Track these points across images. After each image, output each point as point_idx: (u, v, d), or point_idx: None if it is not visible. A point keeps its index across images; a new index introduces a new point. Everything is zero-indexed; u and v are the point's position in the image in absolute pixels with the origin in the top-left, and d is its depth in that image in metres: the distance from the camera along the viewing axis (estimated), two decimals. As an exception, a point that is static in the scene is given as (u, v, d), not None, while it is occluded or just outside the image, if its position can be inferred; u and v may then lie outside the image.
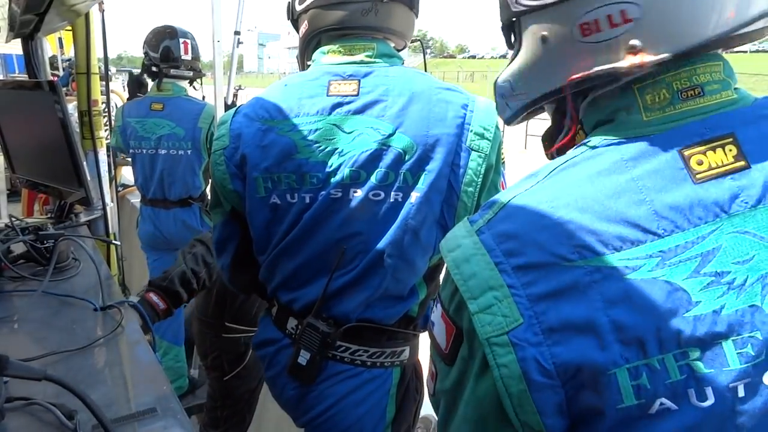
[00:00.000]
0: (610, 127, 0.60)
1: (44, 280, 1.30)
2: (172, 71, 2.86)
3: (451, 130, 1.06)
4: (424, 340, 1.29)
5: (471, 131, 1.06)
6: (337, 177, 1.07)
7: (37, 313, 1.26)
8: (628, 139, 0.58)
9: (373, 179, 1.06)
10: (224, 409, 2.06)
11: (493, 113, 1.10)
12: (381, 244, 1.07)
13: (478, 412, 0.57)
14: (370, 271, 1.09)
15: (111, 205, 2.19)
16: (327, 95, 1.10)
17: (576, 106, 0.65)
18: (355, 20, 1.11)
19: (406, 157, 1.05)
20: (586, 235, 0.53)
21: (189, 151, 2.79)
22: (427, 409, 1.82)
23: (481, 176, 1.06)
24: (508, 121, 0.74)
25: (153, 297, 1.37)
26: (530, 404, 0.52)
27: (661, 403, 0.50)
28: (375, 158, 1.06)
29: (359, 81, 1.09)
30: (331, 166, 1.07)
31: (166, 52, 2.84)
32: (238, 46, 3.24)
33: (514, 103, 0.70)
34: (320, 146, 1.08)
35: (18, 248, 1.47)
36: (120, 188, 3.81)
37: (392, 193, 1.06)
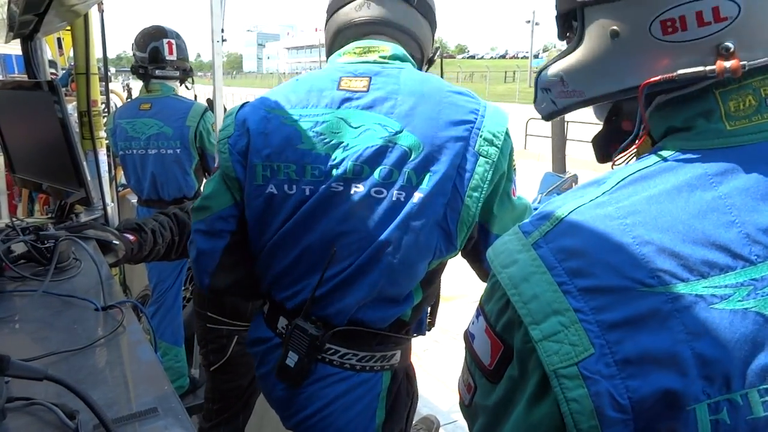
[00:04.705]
0: (687, 136, 0.55)
1: (45, 280, 1.30)
2: (158, 72, 2.88)
3: (460, 133, 1.05)
4: (416, 343, 1.27)
5: (480, 136, 1.05)
6: (340, 170, 1.06)
7: (37, 313, 1.25)
8: (711, 151, 0.52)
9: (375, 176, 1.05)
10: (214, 402, 2.07)
11: (504, 121, 1.09)
12: (378, 243, 1.05)
13: None
14: (365, 271, 1.07)
15: (111, 205, 2.18)
16: (337, 89, 1.11)
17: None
18: (353, 16, 1.18)
19: (412, 156, 1.04)
20: (667, 258, 0.48)
21: (178, 150, 2.82)
22: (428, 409, 1.82)
23: (487, 182, 1.05)
24: (548, 118, 0.69)
25: (126, 234, 1.63)
26: None
27: None
28: (379, 154, 1.05)
29: (370, 78, 1.10)
30: (334, 159, 1.06)
31: (154, 53, 2.87)
32: (221, 44, 3.27)
33: (562, 101, 0.63)
34: (325, 138, 1.07)
35: (19, 248, 1.47)
36: (120, 188, 3.81)
37: (394, 191, 1.04)
